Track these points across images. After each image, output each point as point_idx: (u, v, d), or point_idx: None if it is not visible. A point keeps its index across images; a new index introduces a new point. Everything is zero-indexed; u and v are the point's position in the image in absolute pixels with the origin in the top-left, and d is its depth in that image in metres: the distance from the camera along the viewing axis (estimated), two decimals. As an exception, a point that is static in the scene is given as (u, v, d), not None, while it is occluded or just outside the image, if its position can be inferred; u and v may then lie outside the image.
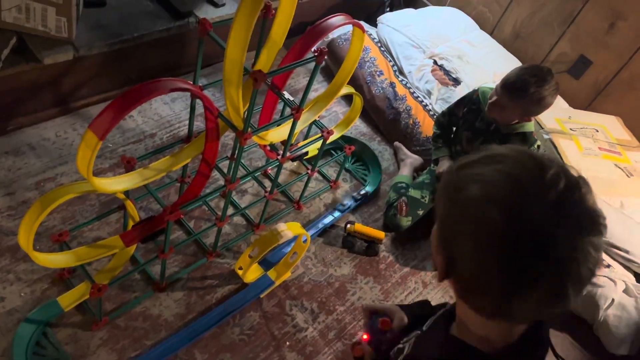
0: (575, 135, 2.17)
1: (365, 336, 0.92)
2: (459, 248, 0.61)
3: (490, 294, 0.60)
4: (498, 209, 0.56)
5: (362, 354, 0.90)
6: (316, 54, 1.40)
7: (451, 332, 0.73)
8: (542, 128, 2.16)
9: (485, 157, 0.61)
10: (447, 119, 2.01)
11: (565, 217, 0.55)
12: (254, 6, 1.16)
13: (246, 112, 1.37)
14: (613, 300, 1.87)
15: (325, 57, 1.63)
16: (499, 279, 0.58)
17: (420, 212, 2.00)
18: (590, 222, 0.57)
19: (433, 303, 1.00)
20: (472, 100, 1.91)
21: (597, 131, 2.25)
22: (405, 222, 1.99)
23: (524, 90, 1.62)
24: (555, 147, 2.07)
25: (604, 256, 1.96)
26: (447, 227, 0.64)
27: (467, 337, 0.69)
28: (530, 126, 1.79)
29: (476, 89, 1.91)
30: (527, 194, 0.56)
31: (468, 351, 0.68)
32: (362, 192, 2.08)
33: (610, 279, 1.90)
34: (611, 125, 2.33)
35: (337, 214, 2.00)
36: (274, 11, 1.49)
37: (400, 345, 0.86)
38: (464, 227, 0.60)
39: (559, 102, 2.52)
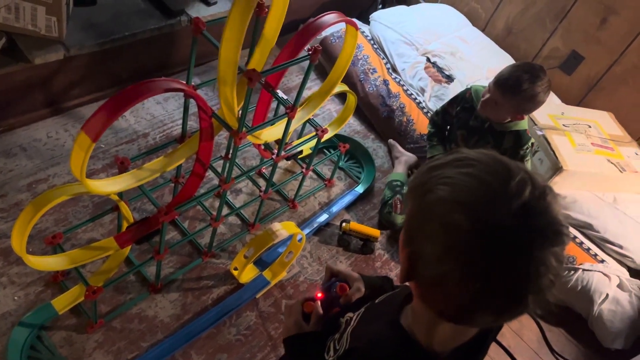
0: (569, 132, 2.17)
1: (319, 294, 0.93)
2: (424, 249, 0.60)
3: (451, 299, 0.60)
4: (465, 213, 0.55)
5: (311, 311, 0.90)
6: (310, 52, 1.40)
7: (401, 319, 0.72)
8: (536, 124, 2.16)
9: (455, 159, 0.60)
10: (440, 118, 2.01)
11: (530, 226, 0.55)
12: (248, 4, 1.15)
13: (240, 112, 1.36)
14: (607, 295, 1.89)
15: (319, 55, 1.62)
16: (461, 285, 0.57)
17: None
18: (553, 232, 0.56)
19: None
20: (465, 99, 1.91)
21: (590, 127, 2.26)
22: (400, 219, 1.99)
23: (517, 87, 1.63)
24: (549, 144, 2.07)
25: (598, 251, 1.97)
26: (413, 227, 0.63)
27: (415, 329, 0.69)
28: (524, 124, 1.79)
29: (468, 87, 1.92)
30: (494, 200, 0.55)
31: (410, 346, 0.68)
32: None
33: (605, 274, 1.91)
34: (604, 121, 2.34)
35: (333, 210, 2.00)
36: (266, 9, 1.48)
37: (351, 314, 0.86)
38: (429, 229, 0.59)
39: (552, 98, 2.52)
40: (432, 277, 0.60)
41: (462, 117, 1.92)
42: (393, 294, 0.84)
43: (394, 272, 1.92)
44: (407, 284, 0.69)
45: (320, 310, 0.90)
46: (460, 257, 0.56)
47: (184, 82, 1.27)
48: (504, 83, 1.65)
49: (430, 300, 0.64)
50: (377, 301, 0.85)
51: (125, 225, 1.54)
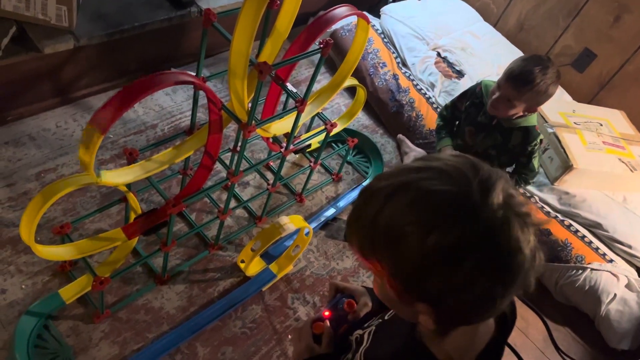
0: (580, 129, 2.15)
1: (327, 312, 0.91)
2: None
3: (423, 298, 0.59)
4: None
5: (321, 332, 0.88)
6: (321, 45, 1.38)
7: (417, 335, 0.69)
8: (546, 122, 2.14)
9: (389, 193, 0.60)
10: (449, 113, 2.00)
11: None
12: (261, -3, 1.14)
13: (250, 104, 1.35)
14: (615, 295, 1.87)
15: (329, 49, 1.61)
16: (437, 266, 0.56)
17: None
18: (520, 216, 0.57)
19: None
20: (475, 94, 1.89)
21: (601, 125, 2.24)
22: None
23: (531, 81, 1.62)
24: (559, 141, 2.06)
25: (606, 250, 1.96)
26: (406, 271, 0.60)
27: (429, 343, 0.67)
28: (532, 119, 1.77)
29: (479, 82, 1.90)
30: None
31: None
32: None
33: (613, 274, 1.90)
34: (615, 120, 2.31)
35: (341, 204, 1.99)
36: (278, 2, 1.46)
37: (360, 332, 0.84)
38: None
39: (563, 96, 2.50)
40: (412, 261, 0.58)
41: (471, 113, 1.90)
42: None
43: (400, 268, 1.91)
44: None
45: (331, 330, 0.88)
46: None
47: (194, 75, 1.26)
48: (516, 77, 1.64)
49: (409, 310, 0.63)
50: (387, 317, 0.83)
51: (132, 216, 1.54)
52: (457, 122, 2.02)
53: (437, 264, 0.55)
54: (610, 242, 1.97)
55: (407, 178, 0.58)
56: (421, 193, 0.56)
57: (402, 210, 0.56)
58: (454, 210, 0.54)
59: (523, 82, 1.63)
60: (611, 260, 1.93)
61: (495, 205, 0.55)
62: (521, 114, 1.75)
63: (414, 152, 2.22)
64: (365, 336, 0.81)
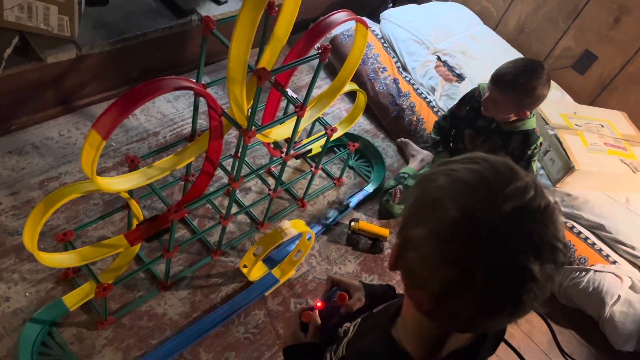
0: (581, 131, 2.15)
1: (319, 304, 0.91)
2: (413, 234, 0.59)
3: (426, 287, 0.59)
4: (456, 201, 0.55)
5: (309, 320, 0.89)
6: (320, 51, 1.39)
7: (392, 330, 0.71)
8: (547, 124, 2.14)
9: (465, 158, 0.60)
10: (449, 122, 2.00)
11: (521, 231, 0.53)
12: (258, 3, 1.15)
13: (250, 110, 1.36)
14: (619, 296, 1.87)
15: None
16: (439, 272, 0.56)
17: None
18: (547, 245, 0.54)
19: None
20: (474, 98, 1.89)
21: (603, 126, 2.24)
22: (397, 209, 1.99)
23: (513, 82, 1.61)
24: (561, 143, 2.06)
25: (610, 252, 1.95)
26: (409, 214, 0.62)
27: (403, 337, 0.68)
28: (531, 123, 1.77)
29: (476, 86, 1.90)
30: (488, 196, 0.54)
31: (400, 356, 0.67)
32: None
33: (617, 276, 1.89)
34: (617, 121, 2.31)
35: (342, 209, 2.00)
36: (277, 8, 1.48)
37: (349, 324, 0.85)
38: (421, 214, 0.59)
39: (565, 98, 2.50)
40: (413, 261, 0.59)
41: (470, 116, 1.91)
42: (389, 304, 0.83)
43: (403, 271, 1.91)
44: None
45: (318, 320, 0.89)
46: (440, 242, 0.56)
47: (194, 81, 1.27)
48: (500, 79, 1.64)
49: (411, 288, 0.63)
50: (374, 311, 0.84)
51: (135, 223, 1.55)
52: (452, 133, 2.02)
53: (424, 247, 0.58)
54: (614, 243, 1.96)
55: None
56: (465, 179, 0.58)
57: (440, 190, 0.58)
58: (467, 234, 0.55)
59: (506, 83, 1.62)
60: (614, 262, 1.92)
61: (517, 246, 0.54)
62: (513, 118, 1.74)
63: (421, 155, 2.22)
64: (351, 328, 0.83)
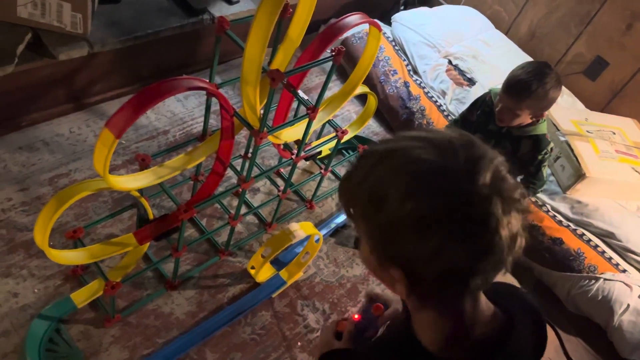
0: (592, 138, 2.14)
1: (356, 316, 0.92)
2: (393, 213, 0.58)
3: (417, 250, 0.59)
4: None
5: (344, 329, 0.89)
6: (333, 53, 1.39)
7: (409, 324, 0.71)
8: (558, 130, 2.13)
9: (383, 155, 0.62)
10: (459, 126, 1.99)
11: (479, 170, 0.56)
12: (275, 5, 1.15)
13: (262, 111, 1.36)
14: (628, 305, 1.85)
15: (341, 56, 1.61)
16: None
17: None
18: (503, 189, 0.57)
19: None
20: (485, 103, 1.88)
21: (614, 133, 2.22)
22: None
23: (527, 89, 1.60)
24: (572, 150, 2.04)
25: (620, 260, 1.93)
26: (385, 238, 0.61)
27: (419, 331, 0.68)
28: (542, 128, 1.76)
29: (487, 91, 1.89)
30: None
31: (410, 344, 0.68)
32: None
33: (626, 284, 1.87)
34: (628, 128, 2.29)
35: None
36: (291, 9, 1.47)
37: (382, 330, 0.86)
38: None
39: (576, 104, 2.49)
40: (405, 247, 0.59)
41: (481, 121, 1.90)
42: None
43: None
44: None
45: (352, 327, 0.89)
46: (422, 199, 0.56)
47: (207, 81, 1.27)
48: (513, 88, 1.63)
49: (406, 283, 0.62)
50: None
51: (144, 221, 1.55)
52: None
53: (409, 229, 0.57)
54: (624, 251, 1.95)
55: (399, 145, 0.60)
56: (407, 160, 0.58)
57: (388, 174, 0.59)
58: (434, 181, 0.56)
59: (519, 90, 1.62)
60: (624, 270, 1.91)
61: (480, 183, 0.56)
62: (529, 121, 1.73)
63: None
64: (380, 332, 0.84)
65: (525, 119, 1.71)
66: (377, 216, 0.59)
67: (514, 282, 1.97)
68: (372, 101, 1.92)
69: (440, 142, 0.59)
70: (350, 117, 2.39)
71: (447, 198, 0.55)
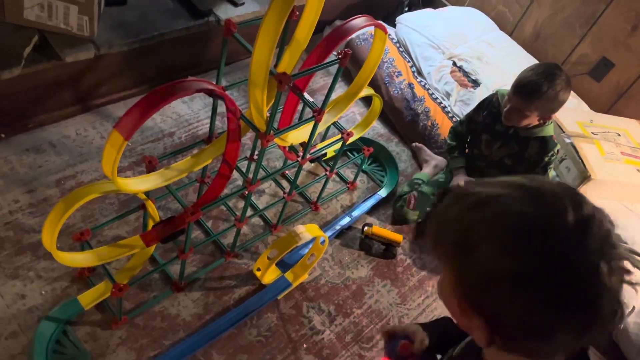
0: (597, 140, 2.13)
1: None
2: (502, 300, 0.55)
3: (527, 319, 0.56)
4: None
5: None
6: (340, 56, 1.39)
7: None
8: (564, 132, 2.13)
9: (475, 202, 0.59)
10: (465, 127, 1.99)
11: (586, 240, 0.53)
12: (284, 8, 1.15)
13: (269, 114, 1.36)
14: (634, 307, 1.84)
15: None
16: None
17: (429, 210, 1.99)
18: (608, 246, 0.54)
19: None
20: (492, 104, 1.89)
21: (619, 135, 2.22)
22: (412, 215, 1.98)
23: (537, 90, 1.61)
24: (577, 152, 2.04)
25: (626, 262, 1.93)
26: (477, 288, 0.57)
27: None
28: (549, 129, 1.76)
29: (494, 92, 1.89)
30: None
31: None
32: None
33: (632, 286, 1.87)
34: (634, 130, 2.29)
35: (355, 213, 1.99)
36: (297, 12, 1.48)
37: None
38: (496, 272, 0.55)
39: (581, 105, 2.48)
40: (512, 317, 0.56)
41: (488, 122, 1.90)
42: (469, 343, 0.79)
43: (415, 277, 1.90)
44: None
45: None
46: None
47: (214, 83, 1.27)
48: (523, 89, 1.64)
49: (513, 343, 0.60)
50: (455, 354, 0.81)
51: (151, 223, 1.55)
52: (468, 140, 2.01)
53: (500, 285, 0.54)
54: (629, 254, 1.94)
55: (496, 191, 0.57)
56: (506, 212, 0.55)
57: (483, 224, 0.56)
58: (536, 240, 0.52)
59: (530, 92, 1.62)
60: (630, 272, 1.90)
61: (589, 249, 0.53)
62: (537, 122, 1.74)
63: (435, 161, 2.21)
64: None
65: (533, 120, 1.72)
66: (465, 264, 0.57)
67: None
68: (377, 103, 1.92)
69: (545, 194, 0.55)
70: (355, 119, 2.39)
71: (549, 260, 0.52)
